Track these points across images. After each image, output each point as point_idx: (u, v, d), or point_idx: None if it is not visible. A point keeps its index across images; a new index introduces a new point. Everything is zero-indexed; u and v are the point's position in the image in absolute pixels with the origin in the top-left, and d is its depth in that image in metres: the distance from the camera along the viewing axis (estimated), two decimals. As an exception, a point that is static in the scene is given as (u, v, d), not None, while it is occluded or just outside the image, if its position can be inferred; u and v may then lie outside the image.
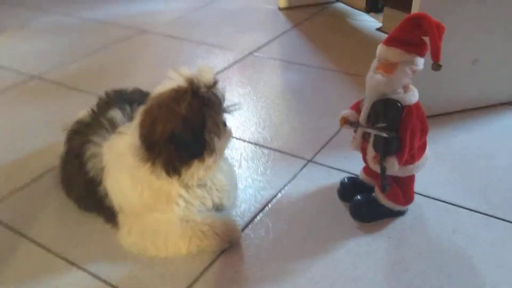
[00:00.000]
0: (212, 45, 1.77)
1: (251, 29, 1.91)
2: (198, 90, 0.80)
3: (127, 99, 1.07)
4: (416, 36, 0.79)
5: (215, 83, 0.83)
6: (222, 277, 0.81)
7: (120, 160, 0.88)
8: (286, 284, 0.79)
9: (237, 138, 1.20)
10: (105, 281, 0.81)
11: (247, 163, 1.11)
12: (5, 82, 1.55)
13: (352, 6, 1.58)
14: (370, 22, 1.85)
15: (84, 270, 0.84)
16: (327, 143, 1.16)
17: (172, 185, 0.86)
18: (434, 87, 1.14)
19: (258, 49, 1.72)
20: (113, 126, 0.97)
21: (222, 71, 1.56)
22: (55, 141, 1.12)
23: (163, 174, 0.83)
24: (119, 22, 2.05)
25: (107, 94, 1.09)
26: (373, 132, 0.83)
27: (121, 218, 0.89)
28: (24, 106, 1.40)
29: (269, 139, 1.19)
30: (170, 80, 0.82)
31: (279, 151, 1.14)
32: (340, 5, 2.09)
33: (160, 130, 0.80)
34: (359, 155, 0.94)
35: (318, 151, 1.13)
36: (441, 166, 1.06)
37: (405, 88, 0.82)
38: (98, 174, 0.91)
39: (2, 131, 1.29)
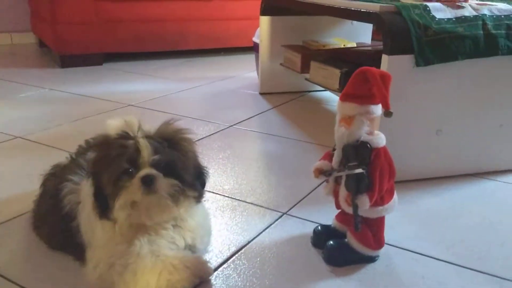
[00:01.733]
0: (194, 118, 1.84)
1: (232, 108, 2.00)
2: (105, 144, 0.84)
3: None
4: (365, 89, 0.86)
5: (134, 137, 0.82)
6: (191, 310, 0.79)
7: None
8: (257, 318, 0.78)
9: (213, 192, 1.22)
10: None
11: (222, 213, 1.12)
12: (-13, 140, 1.57)
13: (326, 87, 1.70)
14: (344, 106, 1.97)
15: (50, 301, 0.81)
16: (302, 199, 1.19)
17: (129, 231, 0.86)
18: (402, 154, 1.21)
19: (238, 123, 1.80)
20: (91, 167, 0.99)
21: (203, 138, 1.62)
22: (32, 189, 1.12)
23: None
24: (105, 97, 2.13)
25: (87, 142, 1.13)
26: (345, 173, 0.88)
27: (89, 253, 0.88)
28: (3, 159, 1.42)
29: (246, 194, 1.22)
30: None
31: (255, 205, 1.16)
32: (317, 93, 2.24)
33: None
34: (332, 209, 0.98)
35: (293, 206, 1.16)
36: (411, 223, 1.09)
37: (370, 133, 0.88)
38: (73, 208, 0.91)
39: (-21, 179, 1.29)
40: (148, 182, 0.80)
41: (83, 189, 0.92)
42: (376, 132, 0.89)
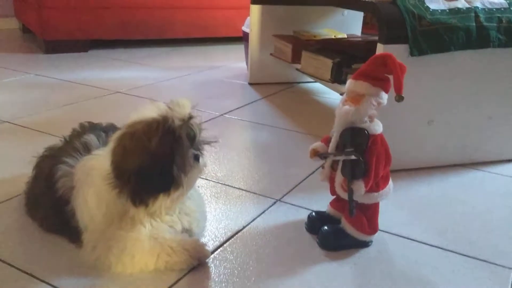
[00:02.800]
0: (184, 106, 1.83)
1: (222, 97, 2.00)
2: (170, 125, 0.82)
3: (101, 129, 1.09)
4: (381, 72, 0.88)
5: (190, 117, 0.86)
6: (189, 292, 0.80)
7: (90, 179, 0.88)
8: (255, 300, 0.78)
9: (207, 179, 1.22)
10: (66, 292, 0.78)
11: (216, 199, 1.12)
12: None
13: (318, 78, 1.70)
14: (333, 99, 1.99)
15: (47, 283, 0.80)
16: (295, 186, 1.20)
17: (137, 212, 0.86)
18: (394, 144, 1.22)
19: (229, 112, 1.79)
20: (87, 150, 0.98)
21: (193, 126, 1.62)
22: (21, 173, 1.11)
23: (130, 203, 0.84)
24: (92, 83, 2.10)
25: (81, 125, 1.11)
26: (341, 158, 0.89)
27: (85, 236, 0.87)
28: (-9, 144, 1.40)
29: (239, 181, 1.22)
30: (146, 110, 0.85)
31: (249, 191, 1.17)
32: (306, 84, 2.25)
33: (129, 162, 0.82)
34: (326, 196, 0.99)
35: (287, 193, 1.16)
36: (403, 210, 1.11)
37: (371, 118, 0.89)
38: (67, 193, 0.90)
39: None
40: (198, 160, 0.87)
41: (78, 173, 0.91)
42: (376, 119, 0.90)
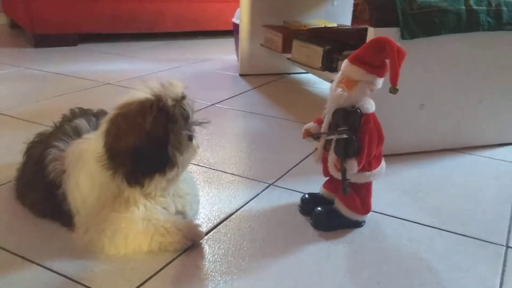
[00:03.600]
0: (175, 96, 1.82)
1: (213, 88, 2.00)
2: (164, 104, 0.82)
3: (92, 114, 1.08)
4: (378, 58, 0.86)
5: (183, 97, 0.86)
6: (183, 271, 0.79)
7: (81, 162, 0.87)
8: (250, 279, 0.78)
9: (199, 165, 1.22)
10: (60, 274, 0.77)
11: (209, 184, 1.12)
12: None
13: (309, 67, 1.70)
14: (324, 89, 1.99)
15: (38, 264, 0.80)
16: (287, 172, 1.20)
17: (132, 193, 0.86)
18: (385, 128, 1.22)
19: (220, 102, 1.79)
20: (77, 134, 0.97)
21: (185, 115, 1.61)
22: (11, 161, 1.10)
23: (125, 184, 0.83)
24: (81, 76, 2.09)
25: (71, 111, 1.10)
26: (334, 137, 0.89)
27: (78, 219, 0.87)
28: (-20, 134, 1.38)
29: (231, 167, 1.22)
30: (138, 91, 0.84)
31: (241, 176, 1.17)
32: (296, 75, 2.25)
33: (123, 142, 0.81)
34: (318, 179, 1.00)
35: (280, 178, 1.16)
36: (395, 192, 1.11)
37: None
38: (58, 176, 0.89)
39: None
40: (191, 140, 0.87)
41: (69, 157, 0.90)
42: (367, 98, 0.90)
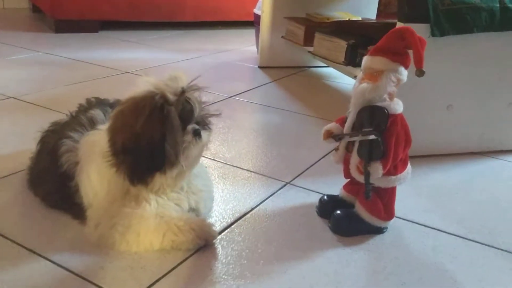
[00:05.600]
0: (193, 87, 1.79)
1: (231, 80, 1.96)
2: (158, 101, 0.78)
3: (108, 104, 1.06)
4: (400, 46, 0.83)
5: (184, 91, 0.81)
6: (195, 272, 0.76)
7: (92, 155, 0.85)
8: (264, 284, 0.75)
9: (215, 160, 1.19)
10: (68, 270, 0.75)
11: (224, 180, 1.09)
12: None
13: (331, 61, 1.65)
14: (346, 83, 1.94)
15: (47, 259, 0.77)
16: (306, 170, 1.16)
17: (139, 190, 0.83)
18: (410, 129, 1.18)
19: (238, 94, 1.75)
20: (92, 124, 0.95)
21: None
22: (24, 149, 1.08)
23: (128, 182, 0.81)
24: (101, 63, 2.07)
25: (88, 100, 1.08)
26: (358, 138, 0.84)
27: (89, 212, 0.84)
28: (-5, 119, 1.37)
29: (247, 163, 1.18)
30: (139, 87, 0.81)
31: (257, 173, 1.13)
32: (318, 69, 2.20)
33: (119, 141, 0.79)
34: (338, 180, 0.95)
35: (297, 176, 1.12)
36: (420, 197, 1.06)
37: (391, 96, 0.84)
38: (71, 168, 0.87)
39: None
40: (199, 135, 0.82)
41: (82, 149, 0.88)
42: (396, 98, 0.85)
